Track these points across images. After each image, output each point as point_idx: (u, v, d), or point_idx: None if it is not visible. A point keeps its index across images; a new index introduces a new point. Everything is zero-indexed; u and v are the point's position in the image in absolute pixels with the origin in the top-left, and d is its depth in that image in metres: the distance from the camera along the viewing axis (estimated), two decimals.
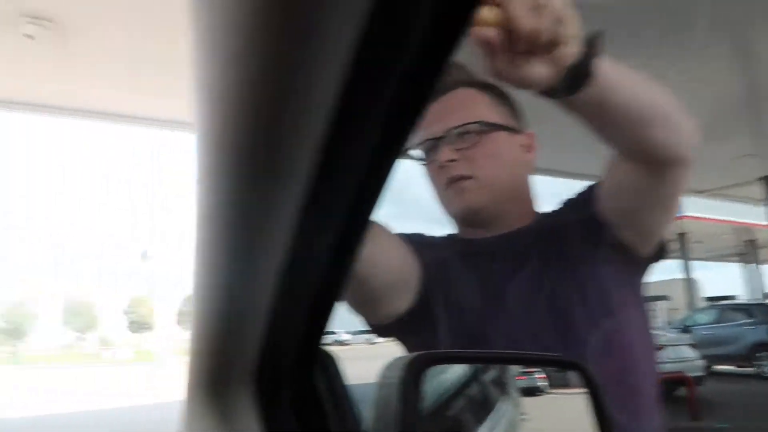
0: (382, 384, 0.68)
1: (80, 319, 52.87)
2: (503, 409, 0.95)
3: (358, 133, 0.34)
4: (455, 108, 1.06)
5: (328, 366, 0.60)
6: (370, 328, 1.05)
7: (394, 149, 0.36)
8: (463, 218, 1.10)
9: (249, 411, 0.57)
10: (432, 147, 1.07)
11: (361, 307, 0.99)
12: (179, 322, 55.33)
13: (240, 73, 0.31)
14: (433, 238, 1.17)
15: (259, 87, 0.31)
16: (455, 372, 0.93)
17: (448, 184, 1.06)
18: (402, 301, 0.99)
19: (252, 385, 0.56)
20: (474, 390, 1.01)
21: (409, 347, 1.04)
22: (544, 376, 0.95)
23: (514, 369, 1.01)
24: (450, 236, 1.16)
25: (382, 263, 0.92)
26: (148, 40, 4.81)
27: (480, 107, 1.08)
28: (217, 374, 0.61)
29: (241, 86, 0.32)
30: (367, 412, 0.67)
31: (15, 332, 49.76)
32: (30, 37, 4.61)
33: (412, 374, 0.66)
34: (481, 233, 1.09)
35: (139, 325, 54.98)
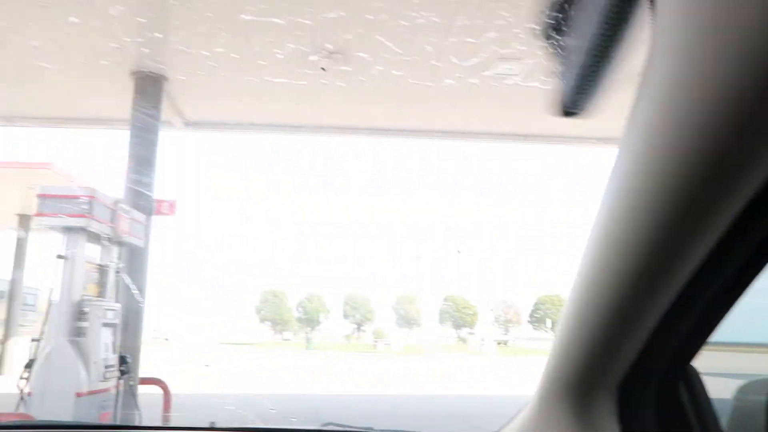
0: (742, 405, 0.64)
1: (358, 312, 59.01)
2: None
3: None
4: None
5: (693, 382, 0.59)
6: None
7: None
8: None
9: (610, 418, 0.59)
10: None
11: None
12: (440, 321, 58.14)
13: (699, 86, 0.32)
14: None
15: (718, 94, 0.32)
16: None
17: None
18: None
19: (616, 392, 0.58)
20: None
21: None
22: None
23: None
24: None
25: None
26: (415, 61, 5.25)
27: None
28: (580, 377, 0.63)
29: (696, 97, 0.33)
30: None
31: (308, 321, 57.85)
32: (324, 69, 5.41)
33: None
34: None
35: (406, 321, 59.10)
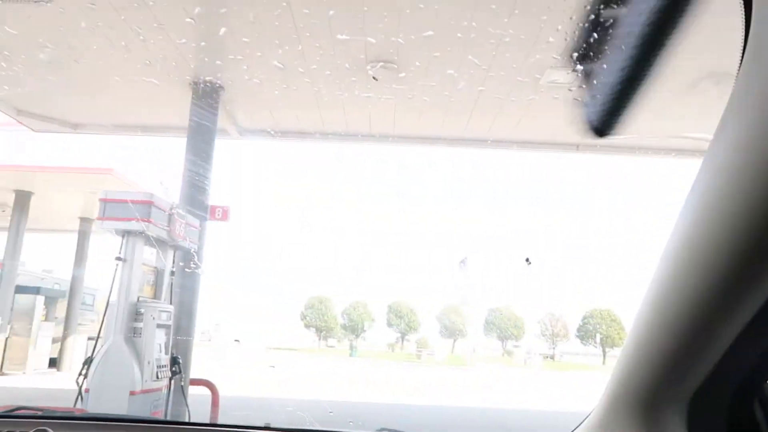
0: None
1: (402, 321, 58.85)
2: None
3: None
4: None
5: None
6: None
7: None
8: None
9: (680, 431, 0.58)
10: None
11: None
12: (486, 332, 57.43)
13: None
14: None
15: None
16: None
17: None
18: None
19: (687, 405, 0.57)
20: None
21: None
22: None
23: None
24: None
25: None
26: (464, 71, 5.25)
27: None
28: (651, 389, 0.62)
29: None
30: None
31: (353, 329, 58.06)
32: (375, 78, 5.48)
33: None
34: None
35: (450, 331, 58.60)
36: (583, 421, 0.87)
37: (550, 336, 56.12)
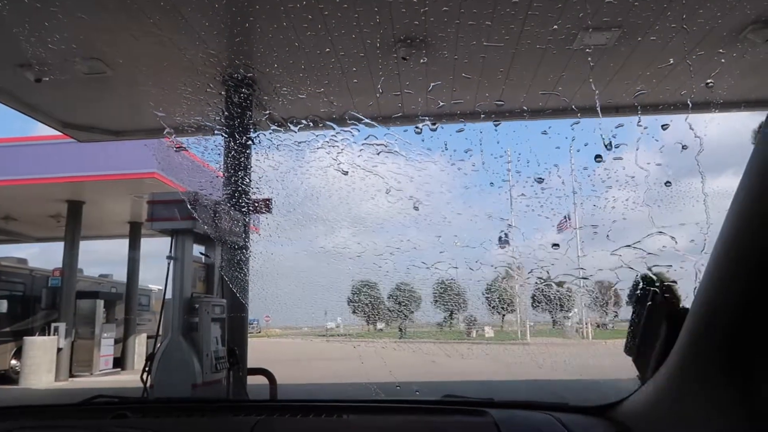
0: None
1: (449, 299, 58.55)
2: None
3: None
4: None
5: None
6: None
7: None
8: None
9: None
10: None
11: None
12: (534, 304, 56.83)
13: None
14: None
15: None
16: None
17: None
18: None
19: None
20: None
21: None
22: None
23: None
24: None
25: None
26: (491, 46, 5.18)
27: None
28: (732, 335, 0.60)
29: None
30: None
31: (401, 311, 58.21)
32: (404, 58, 5.45)
33: None
34: None
35: (498, 307, 58.17)
36: (656, 376, 0.85)
37: (601, 304, 55.02)
